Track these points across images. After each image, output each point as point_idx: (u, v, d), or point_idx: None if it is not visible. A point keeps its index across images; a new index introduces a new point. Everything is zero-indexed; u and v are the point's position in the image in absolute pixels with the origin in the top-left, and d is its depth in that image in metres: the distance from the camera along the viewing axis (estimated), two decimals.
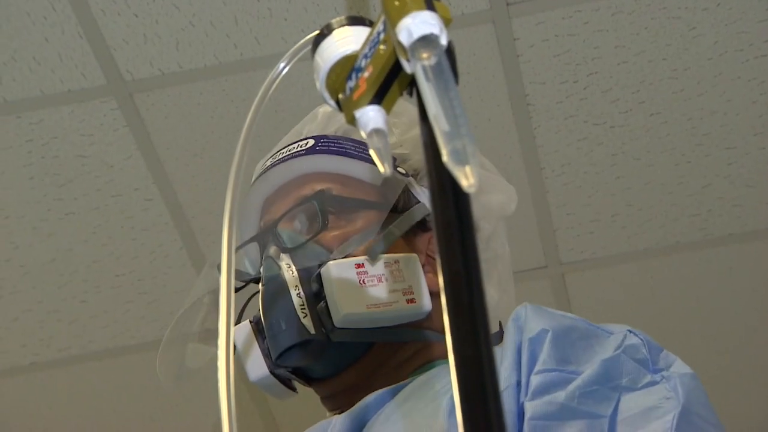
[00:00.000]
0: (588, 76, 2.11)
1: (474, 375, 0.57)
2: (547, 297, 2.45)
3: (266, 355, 1.12)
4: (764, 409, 2.64)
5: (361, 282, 1.09)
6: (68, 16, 1.95)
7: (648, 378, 0.98)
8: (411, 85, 0.65)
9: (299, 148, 1.19)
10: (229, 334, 0.66)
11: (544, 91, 2.12)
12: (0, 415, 2.53)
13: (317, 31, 0.72)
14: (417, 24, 0.62)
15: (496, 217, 1.22)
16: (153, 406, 2.56)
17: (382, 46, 0.66)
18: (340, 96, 0.69)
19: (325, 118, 1.22)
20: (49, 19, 1.95)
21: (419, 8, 0.63)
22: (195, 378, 1.18)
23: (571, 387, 0.96)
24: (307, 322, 1.08)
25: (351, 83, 0.68)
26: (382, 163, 0.65)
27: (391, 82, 0.66)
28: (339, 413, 1.10)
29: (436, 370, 1.09)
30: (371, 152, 0.65)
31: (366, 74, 0.67)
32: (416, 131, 1.17)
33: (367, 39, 0.68)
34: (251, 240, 1.17)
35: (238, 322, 1.17)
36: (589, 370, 0.97)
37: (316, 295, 1.09)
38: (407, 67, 0.64)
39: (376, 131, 0.66)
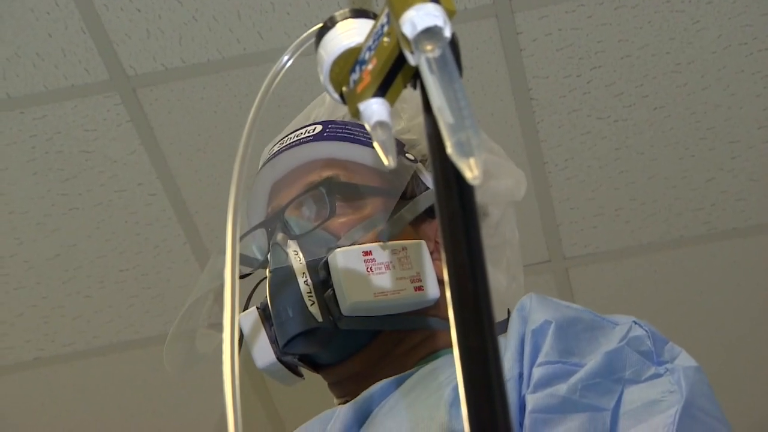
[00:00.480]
0: (591, 70, 2.11)
1: (478, 367, 0.57)
2: (550, 291, 2.45)
3: (273, 341, 1.12)
4: None
5: (369, 270, 1.08)
6: (71, 11, 1.95)
7: (652, 370, 0.97)
8: (415, 77, 0.65)
9: (307, 134, 1.18)
10: (234, 325, 0.66)
11: (548, 85, 2.12)
12: (5, 410, 2.53)
13: (321, 24, 0.72)
14: (421, 16, 0.62)
15: (505, 202, 1.21)
16: (157, 400, 2.56)
17: (385, 39, 0.66)
18: (344, 89, 0.69)
19: (333, 103, 1.21)
20: (53, 15, 1.95)
21: (423, 0, 0.63)
22: (201, 365, 1.17)
23: (573, 379, 0.95)
24: (315, 309, 1.08)
25: (355, 76, 0.68)
26: (386, 156, 0.65)
27: (395, 74, 0.66)
28: (344, 402, 1.10)
29: (440, 360, 1.09)
30: (375, 145, 0.65)
31: (370, 67, 0.67)
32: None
33: (371, 31, 0.68)
34: (258, 226, 1.16)
35: (246, 308, 1.16)
36: (592, 362, 0.96)
37: (324, 283, 1.08)
38: (411, 60, 0.63)
39: (380, 124, 0.66)
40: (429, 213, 1.16)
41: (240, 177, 0.72)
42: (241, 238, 1.17)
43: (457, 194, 0.60)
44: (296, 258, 1.10)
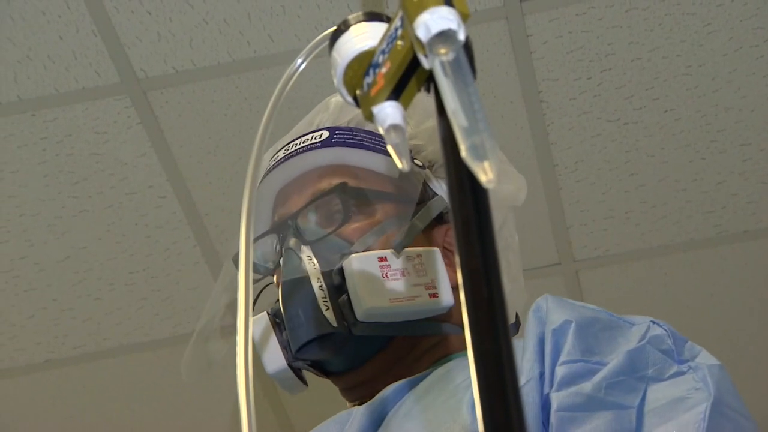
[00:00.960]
0: (602, 72, 2.10)
1: (493, 370, 0.57)
2: (560, 294, 2.43)
3: (284, 347, 1.12)
4: None
5: (384, 275, 1.08)
6: (82, 14, 1.95)
7: (674, 368, 0.97)
8: (429, 80, 0.65)
9: (314, 140, 1.18)
10: (248, 330, 0.66)
11: (558, 87, 2.12)
12: (16, 412, 2.54)
13: (334, 27, 0.72)
14: (435, 19, 0.62)
15: (506, 207, 1.21)
16: (166, 402, 2.56)
17: (399, 42, 0.66)
18: (358, 92, 0.69)
19: (337, 108, 1.21)
20: (64, 18, 1.95)
21: (437, 4, 0.62)
22: (214, 370, 1.17)
23: (597, 378, 0.95)
24: (329, 315, 1.08)
25: (368, 79, 0.68)
26: (400, 159, 0.65)
27: (409, 77, 0.66)
28: (359, 404, 1.10)
29: (454, 363, 1.09)
30: (389, 148, 0.65)
31: (383, 70, 0.67)
32: (430, 123, 1.16)
33: (385, 35, 0.68)
34: (270, 231, 1.16)
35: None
36: (614, 360, 0.97)
37: (338, 288, 1.08)
38: (425, 63, 0.63)
39: (394, 127, 0.66)
40: (438, 219, 1.16)
41: (254, 179, 0.72)
42: (253, 241, 1.17)
43: (471, 198, 0.60)
44: (310, 263, 1.10)
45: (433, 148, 1.18)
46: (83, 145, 2.13)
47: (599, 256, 2.39)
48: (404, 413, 1.04)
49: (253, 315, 1.16)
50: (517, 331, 1.16)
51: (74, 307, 2.36)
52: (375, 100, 0.67)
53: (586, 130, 2.19)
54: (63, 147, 2.12)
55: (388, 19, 0.71)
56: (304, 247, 1.11)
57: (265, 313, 1.15)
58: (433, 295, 1.10)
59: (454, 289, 1.11)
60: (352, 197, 1.14)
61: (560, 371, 0.96)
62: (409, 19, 0.63)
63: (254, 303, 1.17)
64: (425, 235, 1.15)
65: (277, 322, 1.13)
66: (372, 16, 0.72)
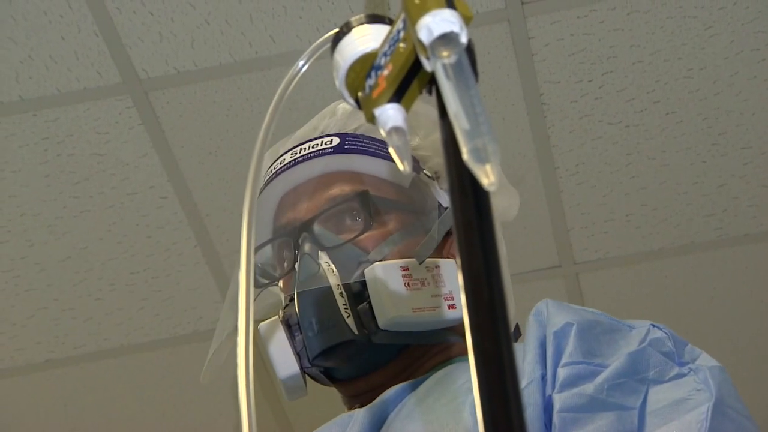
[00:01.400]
0: (603, 75, 2.10)
1: (494, 372, 0.57)
2: (560, 296, 2.44)
3: (297, 352, 1.11)
4: None
5: (407, 285, 1.08)
6: (84, 14, 1.95)
7: (675, 370, 0.98)
8: (431, 83, 0.65)
9: (324, 146, 1.17)
10: (249, 332, 0.66)
11: (559, 90, 2.12)
12: (15, 412, 2.54)
13: (336, 30, 0.72)
14: (437, 22, 0.62)
15: (498, 221, 1.21)
16: (167, 403, 2.56)
17: (401, 44, 0.66)
18: (360, 94, 0.69)
19: (344, 115, 1.21)
20: (66, 18, 1.95)
21: (439, 6, 0.62)
22: (221, 371, 1.17)
23: (599, 379, 0.96)
24: (351, 322, 1.08)
25: (370, 81, 0.68)
26: (402, 161, 0.65)
27: (411, 80, 0.66)
28: (359, 407, 1.10)
29: (455, 366, 1.09)
30: (390, 150, 0.65)
31: (385, 72, 0.67)
32: (437, 134, 1.16)
33: (387, 37, 0.68)
34: (281, 236, 1.15)
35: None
36: (616, 362, 0.98)
37: (357, 296, 1.08)
38: (427, 65, 0.63)
39: (396, 129, 0.66)
40: (449, 232, 1.16)
41: (255, 181, 0.72)
42: (261, 246, 1.17)
43: (472, 200, 0.60)
44: (330, 270, 1.09)
45: (439, 160, 1.18)
46: (84, 145, 2.13)
47: (600, 258, 2.39)
48: (405, 415, 1.04)
49: (270, 319, 1.15)
50: (516, 340, 1.16)
51: (75, 307, 2.36)
52: (377, 102, 0.67)
53: (587, 133, 2.19)
54: (64, 147, 2.12)
55: (390, 22, 0.71)
56: (321, 253, 1.11)
57: (277, 318, 1.14)
58: (451, 307, 1.10)
59: None
60: (372, 206, 1.14)
61: (562, 373, 0.97)
62: (411, 22, 0.63)
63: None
64: (438, 247, 1.15)
65: (289, 327, 1.12)
66: (374, 19, 0.72)
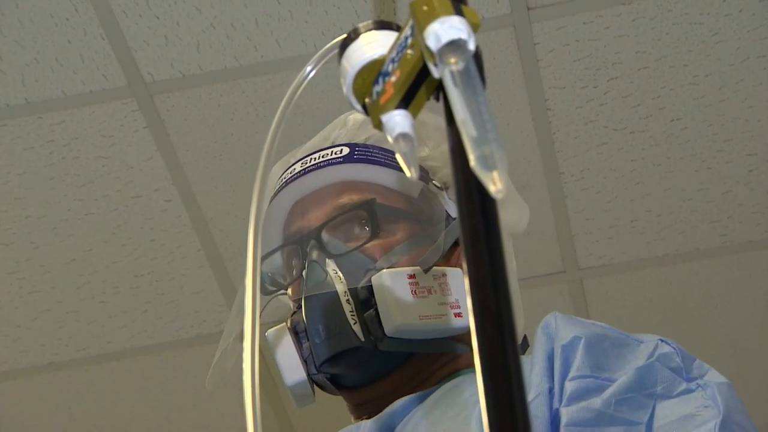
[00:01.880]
0: (608, 81, 2.10)
1: (500, 379, 0.57)
2: (565, 302, 2.44)
3: (304, 359, 1.12)
4: None
5: (413, 293, 1.09)
6: (90, 17, 1.96)
7: (683, 386, 0.98)
8: (438, 89, 0.65)
9: (334, 155, 1.18)
10: (255, 337, 0.66)
11: (564, 95, 2.12)
12: (18, 414, 2.54)
13: (344, 35, 0.72)
14: (445, 29, 0.62)
15: (507, 234, 1.21)
16: (170, 406, 2.56)
17: (409, 51, 0.66)
18: (367, 100, 0.69)
19: (355, 126, 1.22)
20: (72, 21, 1.96)
21: (448, 13, 0.62)
22: (229, 379, 1.17)
23: (606, 394, 0.96)
24: (357, 329, 1.08)
25: (378, 87, 0.68)
26: (409, 168, 0.65)
27: (419, 86, 0.66)
28: (366, 419, 1.10)
29: (463, 378, 1.09)
30: (397, 156, 0.65)
31: (393, 79, 0.67)
32: (446, 145, 1.16)
33: (395, 43, 0.68)
34: (290, 244, 1.16)
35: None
36: (623, 377, 0.98)
37: (364, 303, 1.09)
38: (435, 72, 0.63)
39: (403, 136, 0.66)
40: (457, 241, 1.16)
41: (262, 185, 0.72)
42: (270, 254, 1.18)
43: (479, 208, 0.60)
44: (337, 277, 1.10)
45: (449, 171, 1.18)
46: (90, 148, 2.13)
47: (604, 264, 2.39)
48: (412, 427, 1.04)
49: (277, 326, 1.16)
50: (524, 352, 1.16)
51: (78, 309, 2.36)
52: (384, 109, 0.67)
53: (592, 139, 2.19)
54: (69, 150, 2.13)
55: (397, 28, 0.71)
56: (328, 261, 1.12)
57: (284, 324, 1.15)
58: (458, 315, 1.10)
59: None
60: (380, 214, 1.14)
61: (570, 386, 0.97)
62: (419, 29, 0.63)
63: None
64: (446, 256, 1.16)
65: (297, 333, 1.13)
66: (382, 25, 0.72)
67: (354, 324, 1.08)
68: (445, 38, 0.62)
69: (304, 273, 1.12)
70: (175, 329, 2.41)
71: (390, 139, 0.66)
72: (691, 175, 2.24)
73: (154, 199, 2.21)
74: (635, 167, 2.23)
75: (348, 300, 1.09)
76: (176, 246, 2.29)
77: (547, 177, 2.23)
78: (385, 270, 1.10)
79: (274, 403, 2.55)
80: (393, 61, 0.67)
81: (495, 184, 0.57)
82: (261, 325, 1.12)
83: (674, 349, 1.01)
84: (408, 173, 0.64)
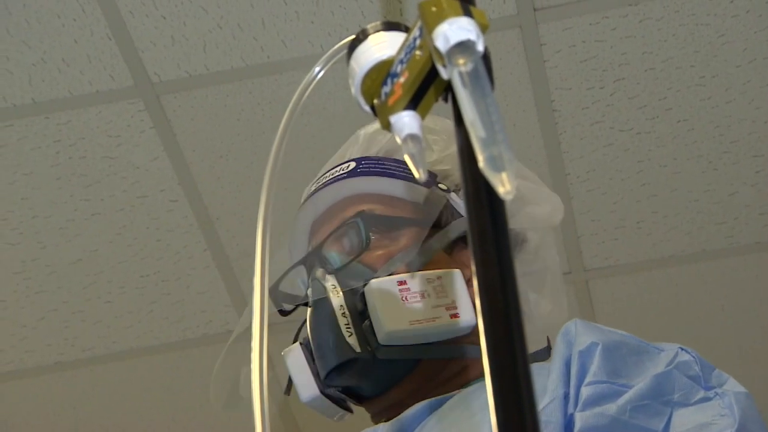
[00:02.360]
0: (615, 82, 2.10)
1: (508, 381, 0.56)
2: (570, 303, 2.44)
3: (316, 375, 1.14)
4: None
5: (404, 299, 1.09)
6: (97, 18, 1.96)
7: (701, 394, 0.98)
8: (447, 91, 0.65)
9: (341, 171, 1.21)
10: (263, 337, 0.66)
11: (570, 96, 2.12)
12: (25, 414, 2.54)
13: (353, 36, 0.72)
14: (454, 30, 0.62)
15: (543, 227, 1.22)
16: (175, 406, 2.56)
17: (418, 52, 0.66)
18: (375, 101, 0.69)
19: (366, 140, 1.24)
20: (79, 21, 1.96)
21: (456, 14, 0.62)
22: (244, 407, 1.18)
23: (622, 400, 0.96)
24: (353, 340, 1.09)
25: (386, 88, 0.68)
26: (417, 169, 0.64)
27: (427, 87, 0.66)
28: (384, 422, 1.12)
29: (477, 385, 1.10)
30: (405, 157, 0.65)
31: (401, 80, 0.67)
32: (456, 148, 1.17)
33: (403, 44, 0.68)
34: (297, 264, 1.19)
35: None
36: (640, 384, 0.97)
37: (361, 314, 1.10)
38: (443, 73, 0.63)
39: (411, 137, 0.66)
40: (464, 240, 1.17)
41: (270, 186, 0.72)
42: (282, 277, 1.20)
43: (488, 209, 0.60)
44: (333, 291, 1.12)
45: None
46: (96, 149, 2.13)
47: (610, 265, 2.38)
48: (428, 430, 1.04)
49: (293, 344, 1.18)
50: (549, 356, 1.16)
51: (84, 309, 2.36)
52: (392, 110, 0.67)
53: (598, 140, 2.18)
54: (76, 150, 2.13)
55: (406, 29, 0.71)
56: (328, 276, 1.14)
57: (298, 342, 1.17)
58: (454, 316, 1.10)
59: None
60: (374, 224, 1.16)
61: (585, 392, 0.97)
62: (428, 30, 0.63)
63: (297, 334, 1.18)
64: (450, 257, 1.17)
65: (308, 350, 1.15)
66: (390, 26, 0.72)
67: (349, 336, 1.10)
68: (454, 39, 0.62)
69: (309, 291, 1.14)
70: (181, 329, 2.42)
71: (398, 139, 0.66)
72: (697, 176, 2.24)
73: (160, 199, 2.22)
74: (641, 168, 2.23)
75: (344, 313, 1.11)
76: (182, 246, 2.29)
77: (553, 178, 2.22)
78: (374, 279, 1.11)
79: (281, 406, 2.55)
80: (401, 62, 0.67)
81: (504, 185, 0.57)
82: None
83: (693, 357, 1.01)
84: (416, 174, 0.64)
